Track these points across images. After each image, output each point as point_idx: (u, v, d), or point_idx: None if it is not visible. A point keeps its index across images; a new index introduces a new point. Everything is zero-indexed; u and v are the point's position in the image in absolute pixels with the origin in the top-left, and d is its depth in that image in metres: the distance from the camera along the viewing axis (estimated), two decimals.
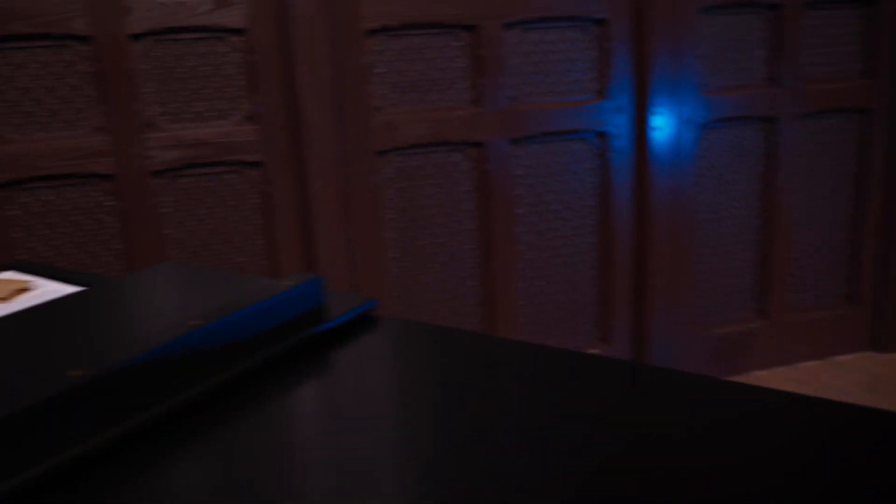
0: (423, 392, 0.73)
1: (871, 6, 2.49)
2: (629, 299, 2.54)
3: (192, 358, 0.72)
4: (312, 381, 0.78)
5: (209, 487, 0.59)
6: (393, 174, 2.26)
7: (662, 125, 2.39)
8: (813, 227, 2.63)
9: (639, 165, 2.42)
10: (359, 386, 0.77)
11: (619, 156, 2.41)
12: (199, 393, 0.69)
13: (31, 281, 1.22)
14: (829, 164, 2.60)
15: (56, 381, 0.62)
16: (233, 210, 2.16)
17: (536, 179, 2.39)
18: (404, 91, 2.22)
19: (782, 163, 2.53)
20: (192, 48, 2.05)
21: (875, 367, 2.68)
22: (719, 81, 2.43)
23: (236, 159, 2.12)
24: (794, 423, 0.63)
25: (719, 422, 0.63)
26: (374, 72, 2.18)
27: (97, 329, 0.88)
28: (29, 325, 0.89)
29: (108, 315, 0.94)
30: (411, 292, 2.36)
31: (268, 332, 0.79)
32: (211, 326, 0.74)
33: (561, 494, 0.55)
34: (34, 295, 1.17)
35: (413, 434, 0.65)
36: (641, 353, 2.57)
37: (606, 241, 2.48)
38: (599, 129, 2.37)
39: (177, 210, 2.13)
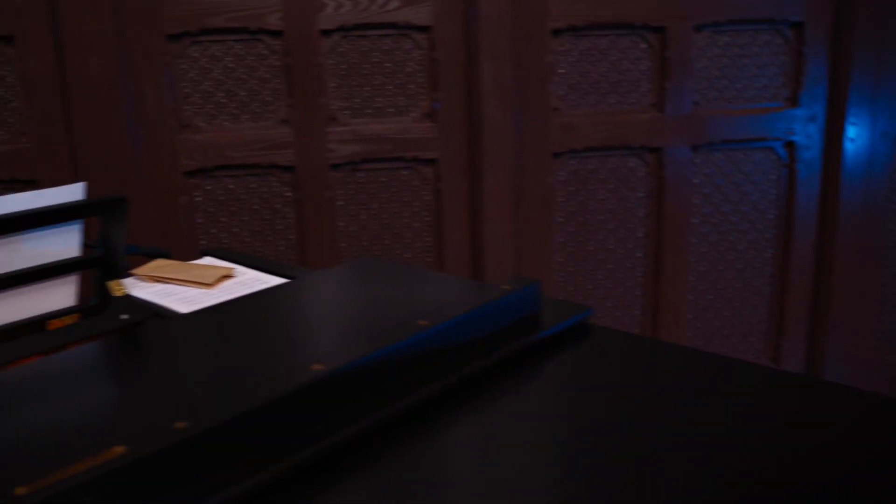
0: (633, 409, 0.69)
1: None
2: (805, 320, 2.40)
3: (419, 358, 0.70)
4: (528, 390, 0.74)
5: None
6: (566, 177, 2.21)
7: (856, 137, 2.24)
8: None
9: (828, 179, 2.28)
10: (571, 400, 0.73)
11: (807, 167, 2.27)
12: (428, 394, 0.66)
13: (232, 268, 1.24)
14: None
15: (300, 374, 0.61)
16: (405, 206, 2.17)
17: (714, 188, 2.28)
18: (585, 92, 2.16)
19: None
20: (378, 44, 2.06)
21: None
22: None
23: (412, 156, 2.12)
24: None
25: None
26: (556, 72, 2.13)
27: (320, 322, 0.87)
28: (255, 313, 0.89)
29: (326, 308, 0.94)
30: (575, 297, 2.31)
31: (487, 337, 0.77)
32: (440, 327, 0.72)
33: None
34: (236, 282, 1.19)
35: (624, 459, 0.60)
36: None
37: (785, 257, 2.35)
38: (788, 138, 2.25)
39: (350, 203, 2.15)
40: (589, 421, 0.67)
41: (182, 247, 2.05)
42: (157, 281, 1.21)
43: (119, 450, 0.51)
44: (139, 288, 1.18)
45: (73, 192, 0.96)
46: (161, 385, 0.68)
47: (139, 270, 1.24)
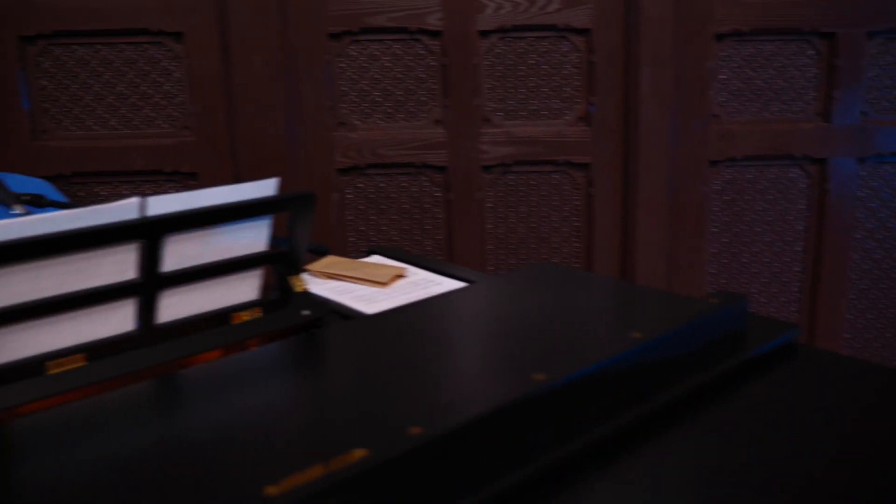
0: (853, 443, 0.64)
1: None
2: None
3: (634, 372, 0.67)
4: (738, 412, 0.70)
5: None
6: (722, 186, 2.14)
7: None
8: None
9: None
10: (786, 428, 0.68)
11: None
12: (648, 410, 0.63)
13: (404, 267, 1.24)
14: None
15: (523, 383, 0.59)
16: (554, 210, 2.14)
17: (881, 203, 2.16)
18: (746, 99, 2.09)
19: None
20: (535, 46, 2.04)
21: None
22: None
23: (564, 159, 2.09)
24: None
25: None
26: (717, 78, 2.06)
27: (521, 329, 0.85)
28: (447, 317, 0.88)
29: (521, 315, 0.91)
30: None
31: (695, 353, 0.73)
32: (658, 340, 0.69)
33: None
34: (409, 282, 1.19)
35: None
36: None
37: None
38: None
39: (499, 205, 2.14)
40: (804, 451, 0.63)
41: (331, 243, 2.08)
42: (331, 278, 1.22)
43: (361, 453, 0.51)
44: (313, 284, 1.20)
45: (266, 188, 0.98)
46: (376, 387, 0.68)
47: (313, 266, 1.25)
